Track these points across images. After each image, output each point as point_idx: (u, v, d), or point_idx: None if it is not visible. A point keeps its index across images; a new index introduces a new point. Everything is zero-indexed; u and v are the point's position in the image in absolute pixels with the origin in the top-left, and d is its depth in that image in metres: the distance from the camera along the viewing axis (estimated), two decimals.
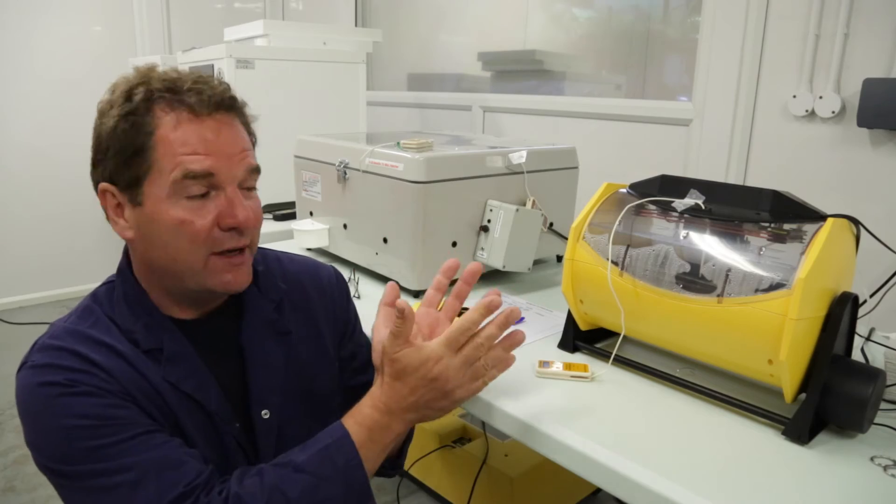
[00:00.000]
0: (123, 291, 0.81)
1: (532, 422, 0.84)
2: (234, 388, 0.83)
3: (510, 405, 0.88)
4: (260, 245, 0.88)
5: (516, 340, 0.79)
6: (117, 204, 0.77)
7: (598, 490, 1.83)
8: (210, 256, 0.77)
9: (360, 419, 0.77)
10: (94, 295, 0.82)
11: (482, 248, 1.33)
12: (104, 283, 0.84)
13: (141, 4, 3.71)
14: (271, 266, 0.92)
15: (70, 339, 0.75)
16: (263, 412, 0.83)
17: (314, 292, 0.95)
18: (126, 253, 0.83)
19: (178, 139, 0.74)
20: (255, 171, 0.81)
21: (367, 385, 0.84)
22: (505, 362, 0.80)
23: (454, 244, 1.31)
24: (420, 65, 3.39)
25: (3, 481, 2.11)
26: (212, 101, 0.76)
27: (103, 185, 0.77)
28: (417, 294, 1.30)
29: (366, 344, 1.00)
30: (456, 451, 1.86)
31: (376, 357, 0.82)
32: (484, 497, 1.74)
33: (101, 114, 0.76)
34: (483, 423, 1.89)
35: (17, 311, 3.46)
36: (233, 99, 0.79)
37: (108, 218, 0.79)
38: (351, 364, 0.98)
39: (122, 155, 0.74)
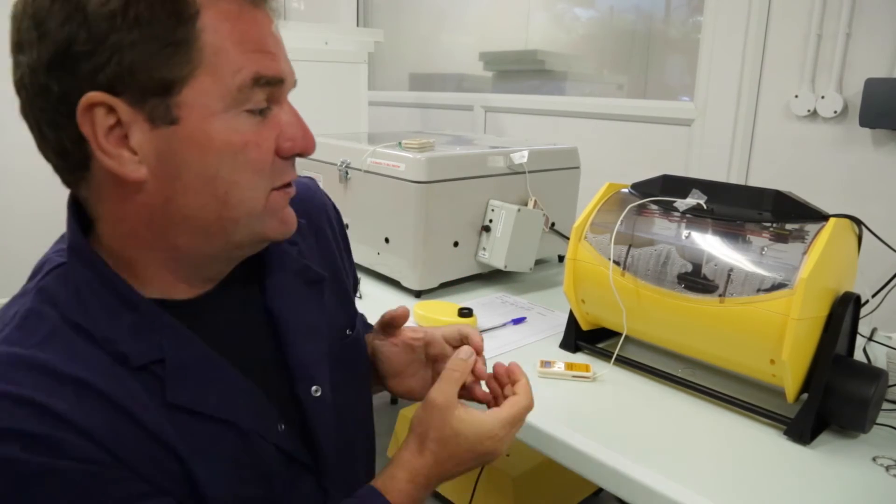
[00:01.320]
0: (86, 278, 0.55)
1: (534, 422, 0.84)
2: (269, 371, 0.64)
3: None
4: None
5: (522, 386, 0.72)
6: (115, 124, 0.51)
7: (600, 490, 1.83)
8: (271, 192, 0.58)
9: (397, 496, 0.64)
10: (41, 291, 0.54)
11: (484, 248, 1.33)
12: (44, 272, 0.56)
13: None
14: None
15: (18, 376, 0.49)
16: (314, 389, 0.66)
17: (319, 213, 0.77)
18: (76, 223, 0.57)
19: (239, 30, 0.53)
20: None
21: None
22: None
23: (456, 244, 1.31)
24: (422, 65, 3.39)
25: None
26: None
27: (92, 95, 0.49)
28: (419, 294, 1.30)
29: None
30: None
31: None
32: (486, 497, 1.74)
33: None
34: None
35: None
36: None
37: (95, 148, 0.51)
38: None
39: (142, 50, 0.49)
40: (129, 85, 0.50)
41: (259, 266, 0.66)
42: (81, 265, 0.55)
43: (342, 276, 0.78)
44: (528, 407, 0.69)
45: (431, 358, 0.82)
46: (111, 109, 0.50)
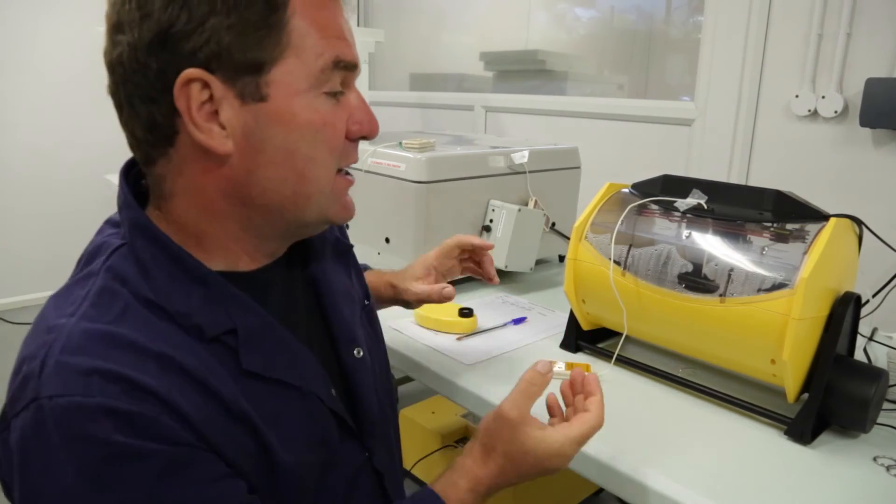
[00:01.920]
0: (153, 255, 0.56)
1: None
2: (314, 337, 0.68)
3: None
4: None
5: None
6: (207, 100, 0.54)
7: (601, 490, 1.83)
8: (338, 175, 0.62)
9: (458, 495, 0.65)
10: (109, 269, 0.55)
11: None
12: (107, 252, 0.57)
13: None
14: None
15: (103, 350, 0.50)
16: (356, 351, 0.70)
17: None
18: (133, 204, 0.59)
19: (322, 17, 0.57)
20: None
21: None
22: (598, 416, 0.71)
23: None
24: (422, 65, 3.39)
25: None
26: None
27: (191, 71, 0.52)
28: None
29: None
30: (458, 451, 1.85)
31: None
32: None
33: None
34: None
35: (20, 310, 3.46)
36: None
37: (185, 122, 0.54)
38: None
39: (237, 33, 0.53)
40: (223, 63, 0.53)
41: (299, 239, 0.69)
42: (147, 243, 0.56)
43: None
44: (598, 426, 0.68)
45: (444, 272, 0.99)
46: (206, 85, 0.53)
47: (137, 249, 0.56)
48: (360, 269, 0.83)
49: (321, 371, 0.64)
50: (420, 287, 0.95)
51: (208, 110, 0.54)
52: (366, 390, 0.70)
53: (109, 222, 0.63)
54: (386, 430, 0.75)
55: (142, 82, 0.54)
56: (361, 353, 0.70)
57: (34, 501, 0.48)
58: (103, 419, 0.47)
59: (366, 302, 0.80)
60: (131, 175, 0.62)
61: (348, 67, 0.59)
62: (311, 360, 0.63)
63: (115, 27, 0.54)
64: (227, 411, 0.54)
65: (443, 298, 0.93)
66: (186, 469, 0.50)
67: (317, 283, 0.70)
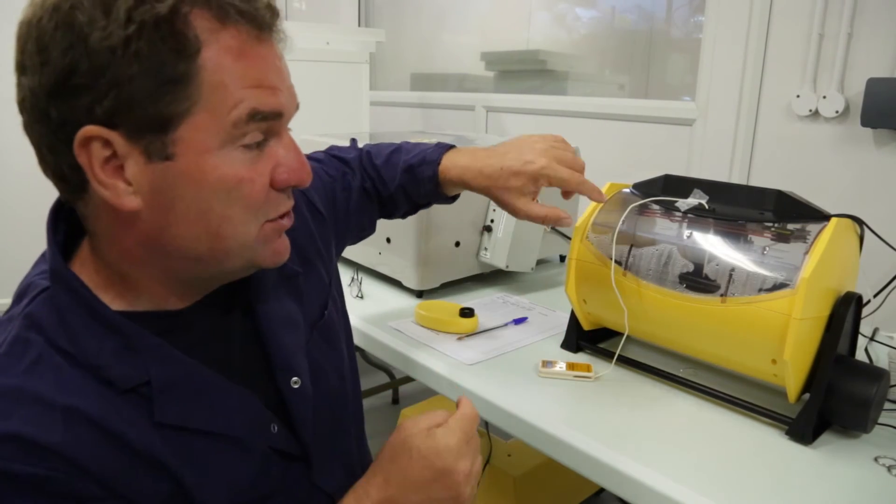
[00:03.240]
0: (68, 303, 0.55)
1: (535, 422, 0.84)
2: (254, 369, 0.66)
3: (513, 405, 0.88)
4: None
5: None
6: (111, 156, 0.51)
7: (602, 490, 1.83)
8: (265, 224, 0.59)
9: None
10: (27, 317, 0.54)
11: (485, 248, 1.33)
12: (30, 297, 0.57)
13: None
14: None
15: (6, 408, 0.49)
16: (293, 380, 0.67)
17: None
18: (56, 246, 0.58)
19: (239, 66, 0.52)
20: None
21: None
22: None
23: (457, 244, 1.31)
24: (423, 65, 3.39)
25: None
26: (267, 15, 0.55)
27: (89, 129, 0.50)
28: (420, 294, 1.30)
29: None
30: None
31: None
32: (487, 497, 1.74)
33: (74, 20, 0.48)
34: (486, 423, 1.89)
35: None
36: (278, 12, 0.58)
37: (91, 179, 0.52)
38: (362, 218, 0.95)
39: (140, 85, 0.49)
40: (125, 119, 0.50)
41: None
42: (63, 290, 0.55)
43: (317, 266, 0.79)
44: (473, 414, 0.67)
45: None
46: (107, 142, 0.51)
47: (55, 296, 0.55)
48: (319, 279, 0.79)
49: (261, 411, 0.63)
50: (538, 209, 0.88)
51: (114, 165, 0.52)
52: (303, 421, 0.67)
53: (42, 257, 0.62)
54: (343, 461, 0.74)
55: (45, 132, 0.52)
56: (298, 384, 0.67)
57: None
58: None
59: (322, 318, 0.76)
60: (62, 212, 0.60)
61: (268, 118, 0.55)
62: (244, 402, 0.62)
63: (20, 68, 0.52)
64: (141, 459, 0.53)
65: (561, 223, 0.89)
66: None
67: (254, 313, 0.67)
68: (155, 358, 0.56)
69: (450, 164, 0.90)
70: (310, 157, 0.91)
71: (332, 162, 0.95)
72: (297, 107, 0.61)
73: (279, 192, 0.59)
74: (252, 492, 0.62)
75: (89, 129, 0.50)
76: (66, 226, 0.60)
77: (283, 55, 0.59)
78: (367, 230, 1.00)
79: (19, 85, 0.53)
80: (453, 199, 0.97)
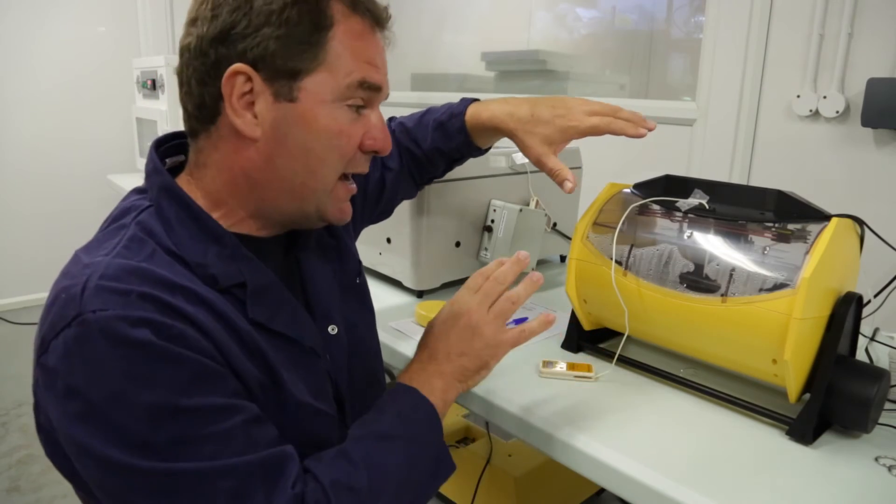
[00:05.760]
0: (177, 215, 0.65)
1: (536, 422, 0.84)
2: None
3: (513, 405, 0.88)
4: None
5: (535, 280, 0.81)
6: (248, 92, 0.64)
7: (602, 490, 1.83)
8: (339, 179, 0.71)
9: (410, 375, 0.77)
10: (140, 223, 0.64)
11: (485, 248, 1.33)
12: (136, 212, 0.66)
13: (145, 5, 3.72)
14: None
15: (137, 280, 0.57)
16: (331, 328, 0.77)
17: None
18: (161, 170, 0.68)
19: (358, 45, 0.67)
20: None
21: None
22: (542, 320, 0.82)
23: (458, 244, 1.31)
24: (424, 65, 3.39)
25: (7, 481, 2.11)
26: (384, 15, 0.71)
27: (239, 66, 0.63)
28: (420, 294, 1.30)
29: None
30: (460, 452, 1.86)
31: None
32: (487, 497, 1.74)
33: None
34: (487, 424, 1.89)
35: (21, 311, 3.47)
36: (391, 16, 0.73)
37: (226, 106, 0.64)
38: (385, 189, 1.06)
39: (284, 43, 0.63)
40: (267, 65, 0.63)
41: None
42: (173, 203, 0.66)
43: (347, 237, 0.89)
44: (483, 270, 0.83)
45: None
46: (249, 79, 0.64)
47: (163, 209, 0.65)
48: (350, 251, 0.88)
49: (316, 332, 0.73)
50: (552, 161, 0.98)
51: (247, 100, 0.64)
52: (338, 366, 0.77)
53: (135, 191, 0.71)
54: (363, 404, 0.79)
55: (200, 67, 0.65)
56: (335, 331, 0.77)
57: (80, 412, 0.54)
58: (143, 327, 0.54)
59: (357, 280, 0.87)
60: (160, 150, 0.72)
61: (372, 88, 0.69)
62: (308, 321, 0.72)
63: (191, 21, 0.66)
64: (244, 344, 0.62)
65: (564, 185, 0.97)
66: (210, 379, 0.57)
67: (299, 263, 0.77)
68: (249, 267, 0.66)
69: (482, 108, 1.01)
70: None
71: None
72: (388, 95, 0.74)
73: (363, 154, 0.72)
74: (318, 402, 0.70)
75: (239, 66, 0.63)
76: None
77: (385, 51, 0.73)
78: (395, 203, 1.14)
79: (188, 33, 0.66)
80: (486, 150, 1.09)
